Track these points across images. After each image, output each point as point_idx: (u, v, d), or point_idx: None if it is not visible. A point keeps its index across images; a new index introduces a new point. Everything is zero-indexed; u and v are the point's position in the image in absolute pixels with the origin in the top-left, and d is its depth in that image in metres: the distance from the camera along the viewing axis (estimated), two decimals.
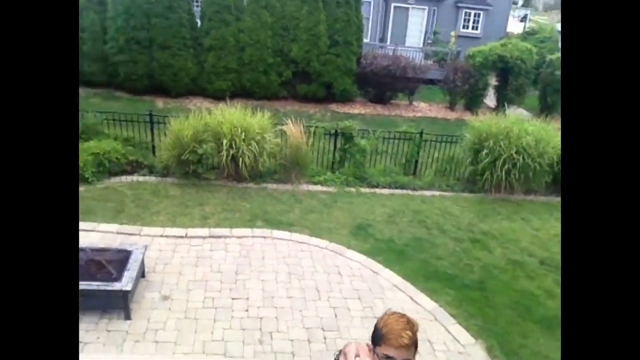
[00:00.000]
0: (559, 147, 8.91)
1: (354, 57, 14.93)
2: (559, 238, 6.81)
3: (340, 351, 2.02)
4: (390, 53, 17.80)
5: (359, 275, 5.94)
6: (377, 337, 1.80)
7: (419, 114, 15.72)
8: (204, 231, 6.36)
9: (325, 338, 4.81)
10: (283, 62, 14.05)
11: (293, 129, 8.62)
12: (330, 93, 14.87)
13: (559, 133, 8.92)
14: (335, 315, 5.16)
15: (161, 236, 6.15)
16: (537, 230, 7.71)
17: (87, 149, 7.68)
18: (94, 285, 4.52)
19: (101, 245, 5.64)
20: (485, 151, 8.70)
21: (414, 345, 1.79)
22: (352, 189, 8.71)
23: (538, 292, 5.93)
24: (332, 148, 9.35)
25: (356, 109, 15.07)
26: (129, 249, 5.11)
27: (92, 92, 12.63)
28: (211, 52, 13.17)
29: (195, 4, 15.42)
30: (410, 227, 7.43)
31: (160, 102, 12.64)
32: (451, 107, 16.76)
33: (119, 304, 4.62)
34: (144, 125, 8.56)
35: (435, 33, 21.83)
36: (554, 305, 5.68)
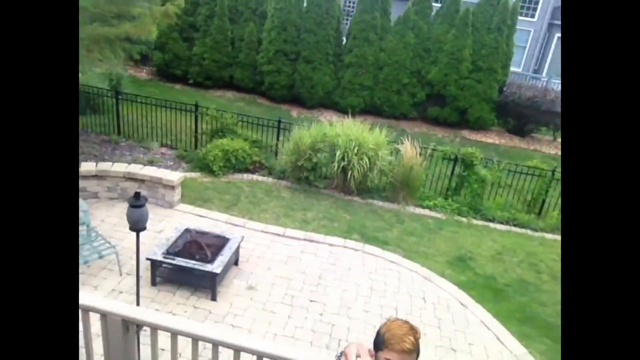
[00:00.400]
0: None
1: (495, 85, 14.26)
2: None
3: (342, 352, 2.05)
4: (542, 85, 16.60)
5: (445, 305, 5.70)
6: (379, 342, 1.81)
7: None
8: (300, 233, 6.68)
9: None
10: (418, 83, 14.00)
11: (408, 149, 8.58)
12: (464, 119, 14.37)
13: None
14: None
15: (262, 231, 6.62)
16: None
17: (220, 145, 8.58)
18: (190, 263, 5.07)
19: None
20: None
21: (416, 351, 1.78)
22: (463, 219, 8.35)
23: None
24: (449, 173, 9.07)
25: (490, 138, 14.33)
26: (227, 236, 5.62)
27: (239, 96, 14.02)
28: (350, 69, 13.69)
29: (345, 21, 16.19)
30: (517, 268, 6.90)
31: (294, 112, 13.51)
32: None
33: (208, 285, 5.11)
34: (272, 130, 9.26)
35: None
36: None
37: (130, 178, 6.90)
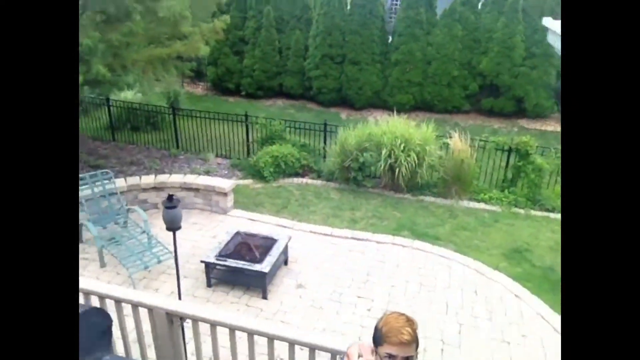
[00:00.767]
0: None
1: (553, 71, 13.58)
2: None
3: (345, 354, 2.10)
4: None
5: (498, 298, 5.58)
6: (378, 337, 1.81)
7: None
8: (348, 232, 6.78)
9: (442, 350, 4.73)
10: (469, 75, 13.64)
11: (458, 142, 8.43)
12: (521, 108, 13.81)
13: None
14: (459, 332, 4.99)
15: (310, 232, 6.79)
16: None
17: (270, 152, 8.87)
18: (240, 264, 5.33)
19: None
20: None
21: (415, 342, 1.80)
22: (521, 210, 8.08)
23: None
24: (504, 165, 8.80)
25: (550, 126, 13.67)
26: (275, 237, 5.83)
27: (289, 103, 14.34)
28: (397, 67, 13.59)
29: (390, 19, 16.12)
30: None
31: (344, 114, 13.61)
32: None
33: (258, 284, 5.33)
34: (320, 134, 9.43)
35: None
36: None
37: (186, 188, 7.32)
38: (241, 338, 2.76)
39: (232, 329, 2.71)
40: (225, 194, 7.21)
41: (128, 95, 11.47)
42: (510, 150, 8.63)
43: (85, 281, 2.79)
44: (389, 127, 8.39)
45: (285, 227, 6.87)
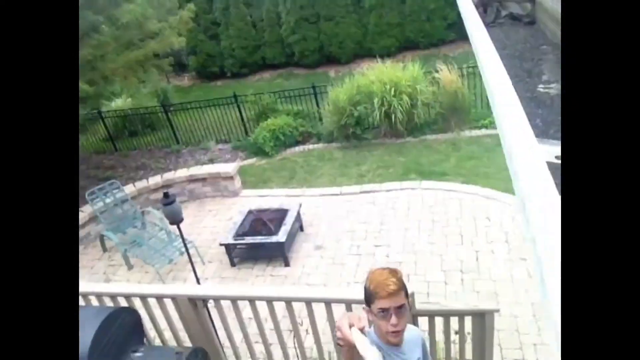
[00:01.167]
0: None
1: None
2: None
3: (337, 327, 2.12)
4: None
5: (511, 218, 5.69)
6: (368, 296, 1.84)
7: None
8: (356, 188, 6.91)
9: (462, 280, 4.89)
10: (446, 4, 13.33)
11: (447, 74, 8.37)
12: None
13: None
14: (477, 259, 5.14)
15: (320, 195, 6.94)
16: None
17: (265, 126, 8.94)
18: (257, 239, 5.52)
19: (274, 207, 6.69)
20: None
21: (403, 290, 1.82)
22: None
23: None
24: None
25: None
26: (286, 207, 6.00)
27: (275, 74, 14.27)
28: (372, 12, 13.34)
29: None
30: None
31: (332, 72, 13.50)
32: None
33: (278, 253, 5.54)
34: (311, 98, 9.42)
35: None
36: None
37: (194, 180, 7.49)
38: (262, 306, 2.94)
39: (252, 300, 2.89)
40: (231, 177, 7.36)
41: (119, 103, 11.56)
42: None
43: (108, 285, 2.98)
44: (376, 75, 8.36)
45: (295, 196, 7.01)
